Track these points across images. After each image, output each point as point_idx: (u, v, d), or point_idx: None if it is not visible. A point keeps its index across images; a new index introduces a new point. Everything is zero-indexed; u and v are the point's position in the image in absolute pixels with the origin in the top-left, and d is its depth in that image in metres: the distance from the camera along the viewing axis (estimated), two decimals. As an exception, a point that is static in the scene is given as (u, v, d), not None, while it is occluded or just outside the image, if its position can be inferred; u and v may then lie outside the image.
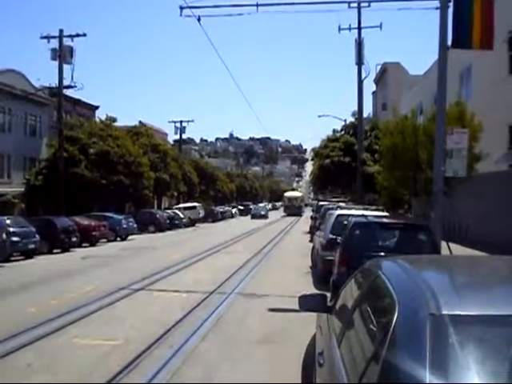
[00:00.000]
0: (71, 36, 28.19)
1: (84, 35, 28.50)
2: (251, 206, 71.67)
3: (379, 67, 49.54)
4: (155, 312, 9.26)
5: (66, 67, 28.16)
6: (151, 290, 11.72)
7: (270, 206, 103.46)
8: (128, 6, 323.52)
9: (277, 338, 7.41)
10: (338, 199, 32.82)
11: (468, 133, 11.55)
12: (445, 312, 1.92)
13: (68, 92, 30.43)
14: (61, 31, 27.93)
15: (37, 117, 38.09)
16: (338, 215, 12.96)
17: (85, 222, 25.03)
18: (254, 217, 57.99)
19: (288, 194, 76.05)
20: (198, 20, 15.97)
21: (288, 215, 65.10)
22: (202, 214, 45.66)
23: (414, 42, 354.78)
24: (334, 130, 37.98)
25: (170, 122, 54.85)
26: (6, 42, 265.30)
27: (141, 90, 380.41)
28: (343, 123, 38.99)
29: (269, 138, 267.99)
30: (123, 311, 9.37)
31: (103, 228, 25.79)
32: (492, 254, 11.01)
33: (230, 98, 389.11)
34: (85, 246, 23.92)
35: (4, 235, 17.63)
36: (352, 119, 36.61)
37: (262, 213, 59.67)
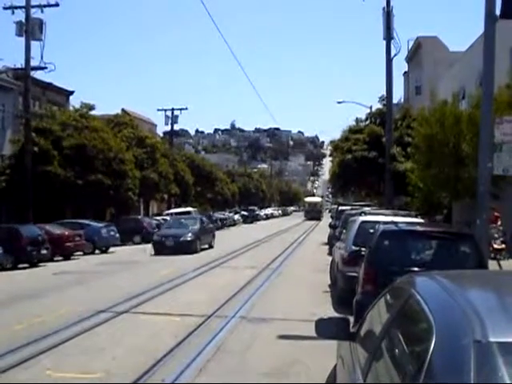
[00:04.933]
0: (40, 6, 28.40)
1: (56, 5, 28.70)
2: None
3: (412, 43, 49.49)
4: (142, 339, 9.29)
5: (34, 44, 28.38)
6: (137, 312, 11.75)
7: (279, 210, 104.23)
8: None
9: (289, 371, 7.43)
10: (363, 203, 32.78)
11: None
12: (493, 339, 1.93)
13: (36, 74, 30.71)
14: (28, 0, 28.09)
15: (-1, 104, 38.30)
16: (363, 222, 12.97)
17: (57, 230, 25.15)
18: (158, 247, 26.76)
19: (308, 199, 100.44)
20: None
21: (308, 219, 78.38)
22: (197, 221, 45.62)
23: (453, 12, 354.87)
24: (358, 119, 38.01)
25: (159, 110, 55.18)
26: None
27: (124, 71, 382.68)
28: (368, 111, 39.05)
29: (278, 129, 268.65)
30: (103, 339, 9.41)
31: (79, 238, 25.91)
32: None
33: (231, 81, 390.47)
34: (57, 260, 24.03)
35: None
36: (379, 106, 36.66)
37: (168, 242, 26.78)
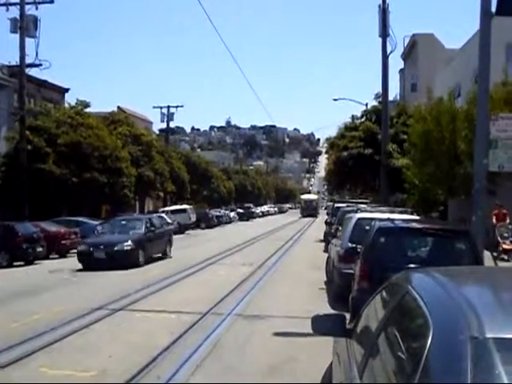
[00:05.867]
0: (35, 3, 28.26)
1: (51, 2, 28.58)
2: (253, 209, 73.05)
3: (408, 40, 49.54)
4: (138, 337, 9.28)
5: (28, 41, 28.27)
6: (133, 310, 11.74)
7: (275, 208, 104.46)
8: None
9: (284, 369, 7.43)
10: (358, 200, 32.83)
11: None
12: (489, 335, 1.93)
13: (31, 72, 30.58)
14: (22, -3, 27.94)
15: (-7, 102, 38.14)
16: (359, 219, 12.98)
17: (52, 228, 25.09)
18: None
19: (304, 196, 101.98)
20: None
21: (304, 216, 79.81)
22: (193, 218, 45.74)
23: (449, 9, 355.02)
24: (353, 117, 37.99)
25: (154, 107, 55.07)
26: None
27: (119, 69, 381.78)
28: (364, 108, 39.07)
29: (274, 127, 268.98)
30: (99, 336, 9.40)
31: (75, 236, 25.84)
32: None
33: (226, 78, 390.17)
34: (53, 258, 23.97)
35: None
36: (375, 103, 36.66)
37: None
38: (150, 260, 21.29)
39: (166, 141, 54.99)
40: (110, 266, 19.05)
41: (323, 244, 26.39)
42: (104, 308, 11.75)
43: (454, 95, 21.63)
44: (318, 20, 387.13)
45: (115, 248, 20.11)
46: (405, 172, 23.89)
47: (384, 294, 3.49)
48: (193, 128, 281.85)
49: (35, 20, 28.20)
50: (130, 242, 20.41)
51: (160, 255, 23.02)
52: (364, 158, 32.93)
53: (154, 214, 40.93)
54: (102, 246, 20.34)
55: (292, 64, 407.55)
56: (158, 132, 67.27)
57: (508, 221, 18.83)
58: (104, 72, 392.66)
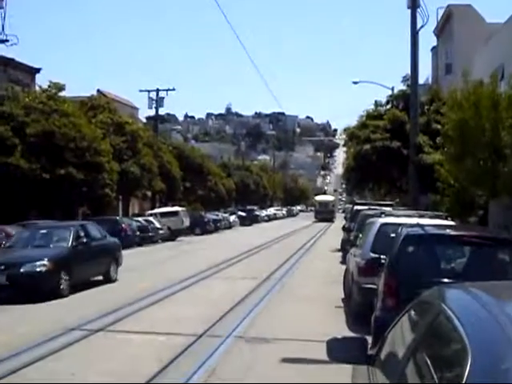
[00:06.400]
0: (0, -32, 28.36)
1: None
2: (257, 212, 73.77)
3: (442, 12, 49.51)
4: (120, 364, 9.28)
5: (-8, 13, 28.29)
6: (114, 331, 11.74)
7: (284, 211, 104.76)
8: None
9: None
10: (383, 202, 32.82)
11: None
12: (540, 363, 1.91)
13: (-4, 48, 30.66)
14: (-15, -39, 28.07)
15: (-49, 83, 38.26)
16: (383, 225, 13.01)
17: (19, 233, 25.12)
18: None
19: (319, 197, 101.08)
20: None
21: (319, 221, 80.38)
22: (186, 222, 45.80)
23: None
24: (377, 103, 37.94)
25: (141, 91, 55.13)
26: None
27: (100, 46, 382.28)
28: (389, 93, 39.02)
29: (282, 114, 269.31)
30: (74, 362, 9.40)
31: (45, 242, 25.85)
32: None
33: (227, 57, 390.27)
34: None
35: None
36: (402, 87, 36.58)
37: None
38: (81, 286, 17.43)
39: (154, 130, 55.05)
40: (15, 297, 15.38)
41: (340, 254, 26.41)
42: (77, 329, 11.78)
43: (497, 78, 21.55)
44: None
45: (21, 269, 16.08)
46: (438, 169, 23.83)
47: (413, 313, 3.49)
48: (186, 115, 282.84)
49: (1, -13, 28.28)
50: (45, 261, 16.36)
51: (101, 278, 19.33)
52: (390, 151, 32.86)
53: (140, 218, 41.30)
54: (2, 267, 16.12)
55: (304, 40, 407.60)
56: (145, 120, 67.53)
57: None
58: (81, 49, 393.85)
